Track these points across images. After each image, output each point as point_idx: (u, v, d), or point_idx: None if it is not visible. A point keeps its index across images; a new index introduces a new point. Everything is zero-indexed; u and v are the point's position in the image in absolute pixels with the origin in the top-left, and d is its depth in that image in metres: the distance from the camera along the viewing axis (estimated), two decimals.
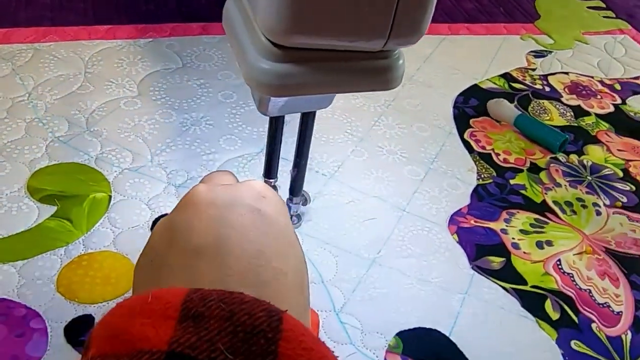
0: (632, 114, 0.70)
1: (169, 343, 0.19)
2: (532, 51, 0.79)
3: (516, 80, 0.72)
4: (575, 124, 0.66)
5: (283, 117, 0.39)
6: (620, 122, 0.68)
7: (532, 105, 0.68)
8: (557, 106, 0.69)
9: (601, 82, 0.75)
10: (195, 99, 0.58)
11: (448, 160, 0.57)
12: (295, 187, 0.44)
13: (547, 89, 0.72)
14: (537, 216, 0.52)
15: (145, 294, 0.21)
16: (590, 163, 0.60)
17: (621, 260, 0.49)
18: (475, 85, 0.70)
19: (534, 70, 0.75)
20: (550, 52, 0.80)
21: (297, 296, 0.26)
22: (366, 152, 0.56)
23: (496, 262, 0.47)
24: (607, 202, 0.55)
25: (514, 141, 0.61)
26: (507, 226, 0.51)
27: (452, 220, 0.51)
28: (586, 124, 0.67)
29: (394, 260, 0.46)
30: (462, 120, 0.63)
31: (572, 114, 0.68)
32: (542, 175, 0.57)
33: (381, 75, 0.32)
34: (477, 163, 0.58)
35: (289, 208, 0.45)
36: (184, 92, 0.58)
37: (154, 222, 0.45)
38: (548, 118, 0.66)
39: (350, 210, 0.50)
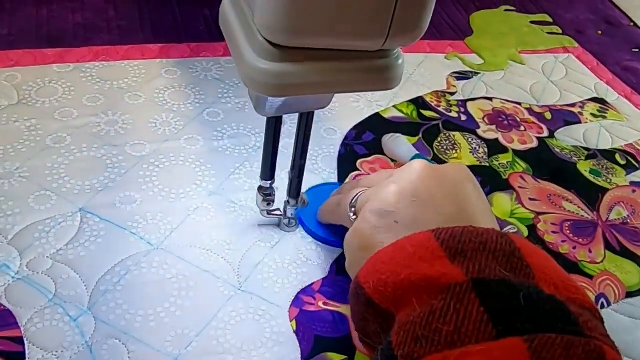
0: (557, 150, 0.57)
1: (464, 274, 0.25)
2: (455, 72, 0.67)
3: (428, 107, 0.60)
4: (487, 164, 0.54)
5: (281, 117, 0.37)
6: (542, 160, 0.55)
7: (440, 138, 0.56)
8: (470, 140, 0.57)
9: (529, 109, 0.63)
10: (17, 145, 0.46)
11: None
12: (294, 189, 0.41)
13: (464, 117, 0.60)
14: None
15: (390, 247, 0.28)
16: None
17: None
18: (377, 114, 0.58)
19: (452, 94, 0.63)
20: (477, 73, 0.67)
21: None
22: (213, 209, 0.45)
23: None
24: None
25: None
26: None
27: (297, 300, 0.39)
28: (499, 164, 0.54)
29: (202, 358, 0.35)
30: (347, 162, 0.51)
31: (485, 150, 0.56)
32: None
33: (380, 74, 0.30)
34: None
35: (286, 211, 0.42)
36: (5, 137, 0.47)
37: None
38: (456, 156, 0.54)
39: (169, 289, 0.38)
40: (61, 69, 0.55)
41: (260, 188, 0.40)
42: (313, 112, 0.37)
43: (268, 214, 0.42)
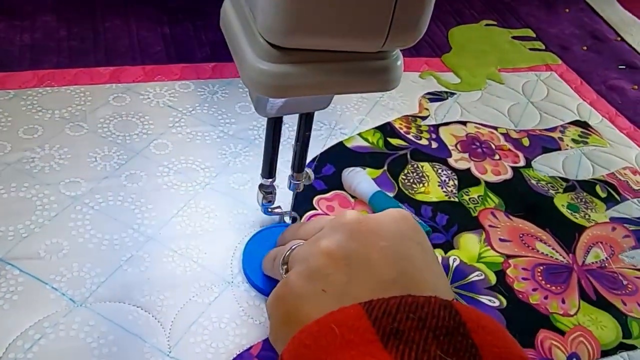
0: (533, 181, 0.53)
1: None
2: (428, 93, 0.62)
3: (396, 134, 0.55)
4: (456, 199, 0.50)
5: (281, 118, 0.37)
6: (516, 194, 0.51)
7: (406, 170, 0.51)
8: (440, 171, 0.52)
9: (506, 135, 0.58)
10: None
11: None
12: (297, 162, 0.40)
13: (435, 144, 0.55)
14: None
15: (315, 325, 0.23)
16: (457, 263, 0.44)
17: None
18: (340, 143, 0.53)
19: (424, 119, 0.59)
20: (453, 94, 0.63)
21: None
22: (149, 258, 0.40)
23: None
24: None
25: None
26: None
27: None
28: (470, 198, 0.50)
29: None
30: (304, 199, 0.47)
31: (455, 182, 0.51)
32: None
33: (380, 76, 0.30)
34: None
35: (291, 185, 0.41)
36: None
37: None
38: (422, 190, 0.50)
39: (88, 356, 0.34)
40: (0, 97, 0.51)
41: (261, 186, 0.40)
42: (313, 113, 0.37)
43: (269, 211, 0.42)
